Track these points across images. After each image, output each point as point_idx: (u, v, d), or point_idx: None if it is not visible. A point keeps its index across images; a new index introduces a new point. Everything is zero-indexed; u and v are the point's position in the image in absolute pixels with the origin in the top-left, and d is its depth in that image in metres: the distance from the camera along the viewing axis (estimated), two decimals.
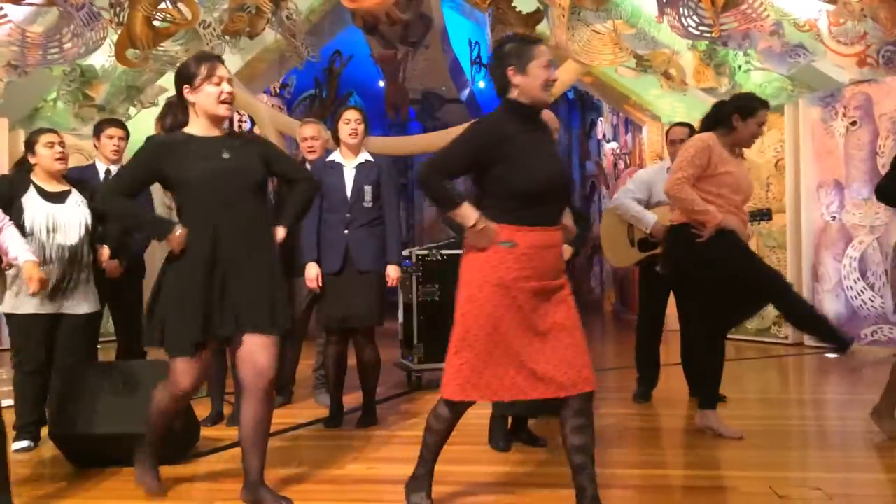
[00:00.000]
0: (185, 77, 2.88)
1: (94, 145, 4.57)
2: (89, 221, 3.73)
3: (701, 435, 3.86)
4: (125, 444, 3.26)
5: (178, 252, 2.79)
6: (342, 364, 4.23)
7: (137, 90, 8.02)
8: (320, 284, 4.14)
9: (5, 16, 6.62)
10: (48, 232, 3.61)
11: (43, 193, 3.70)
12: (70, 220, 3.68)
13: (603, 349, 8.30)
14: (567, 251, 3.66)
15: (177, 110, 2.93)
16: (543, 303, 2.58)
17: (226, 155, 2.86)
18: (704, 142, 3.74)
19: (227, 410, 4.34)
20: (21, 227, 3.55)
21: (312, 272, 4.13)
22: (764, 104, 3.82)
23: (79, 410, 3.40)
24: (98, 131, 4.48)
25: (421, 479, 2.78)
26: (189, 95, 2.88)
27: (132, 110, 8.12)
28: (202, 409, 4.19)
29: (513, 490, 3.05)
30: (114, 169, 4.59)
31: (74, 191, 3.80)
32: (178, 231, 2.78)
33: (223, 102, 2.87)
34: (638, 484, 3.17)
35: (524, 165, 2.55)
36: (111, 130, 4.42)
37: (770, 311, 7.37)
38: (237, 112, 10.12)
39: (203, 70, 2.85)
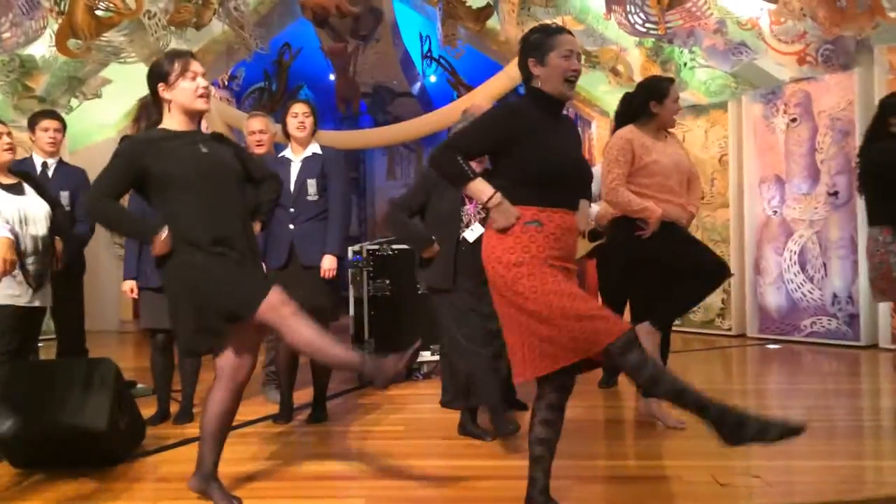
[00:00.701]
0: (159, 75, 2.86)
1: (30, 139, 4.45)
2: (50, 213, 3.63)
3: (644, 425, 3.93)
4: (71, 442, 3.20)
5: (162, 253, 2.74)
6: (293, 360, 4.20)
7: (79, 81, 7.81)
8: None
9: None
10: (21, 224, 3.47)
11: (3, 187, 3.56)
12: (37, 211, 3.56)
13: None
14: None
15: (151, 110, 2.91)
16: (572, 278, 2.62)
17: (203, 149, 2.85)
18: (623, 138, 3.78)
19: (173, 408, 4.27)
20: None
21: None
22: (671, 80, 3.89)
23: (18, 410, 3.30)
24: (32, 124, 4.37)
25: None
26: (165, 93, 2.85)
27: (74, 102, 7.90)
28: (148, 408, 4.12)
29: (463, 483, 3.07)
30: (51, 162, 4.47)
31: (24, 182, 3.67)
32: (164, 234, 2.73)
33: (201, 97, 2.86)
34: (580, 474, 3.20)
35: (549, 147, 2.56)
36: (46, 122, 4.31)
37: (714, 304, 7.55)
38: None
39: (177, 66, 2.83)
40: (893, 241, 3.78)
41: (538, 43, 2.64)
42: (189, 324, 2.74)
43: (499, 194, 2.54)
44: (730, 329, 7.47)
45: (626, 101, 3.91)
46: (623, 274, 4.16)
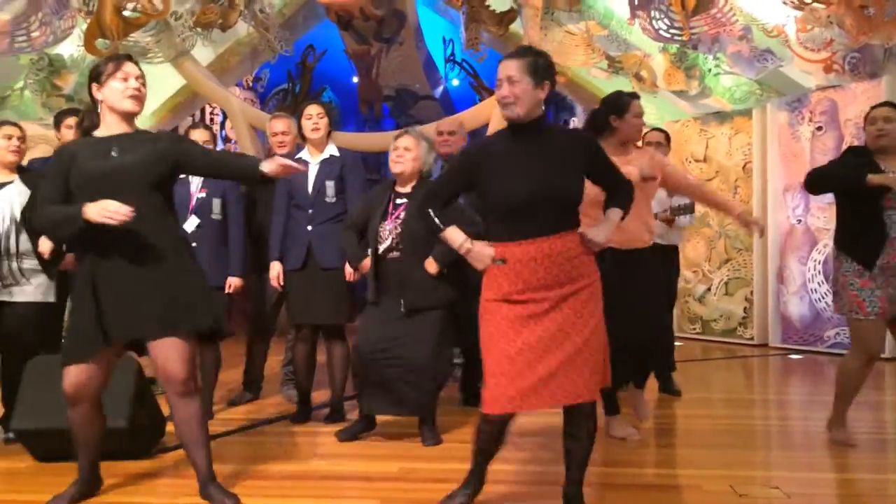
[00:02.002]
0: (93, 76, 2.86)
1: (56, 136, 4.51)
2: (16, 211, 3.68)
3: (665, 434, 3.91)
4: None
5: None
6: (310, 360, 4.21)
7: None
8: (281, 283, 4.15)
9: None
10: None
11: None
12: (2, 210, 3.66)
13: None
14: (430, 264, 3.69)
15: (92, 114, 2.88)
16: (550, 312, 2.56)
17: (114, 153, 2.78)
18: None
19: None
20: None
21: (274, 270, 4.15)
22: (633, 96, 3.78)
23: (42, 404, 3.34)
24: (58, 122, 4.43)
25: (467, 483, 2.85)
26: (97, 93, 2.84)
27: None
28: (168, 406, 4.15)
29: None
30: None
31: (17, 181, 3.75)
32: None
33: (130, 97, 2.81)
34: (600, 482, 3.19)
35: (498, 182, 2.59)
36: (72, 120, 4.37)
37: (735, 312, 7.49)
38: (208, 104, 10.03)
39: (110, 67, 2.83)
40: None
41: None
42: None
43: (467, 242, 2.66)
44: (752, 338, 7.40)
45: (591, 117, 3.85)
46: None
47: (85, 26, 6.88)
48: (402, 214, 3.76)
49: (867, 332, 3.58)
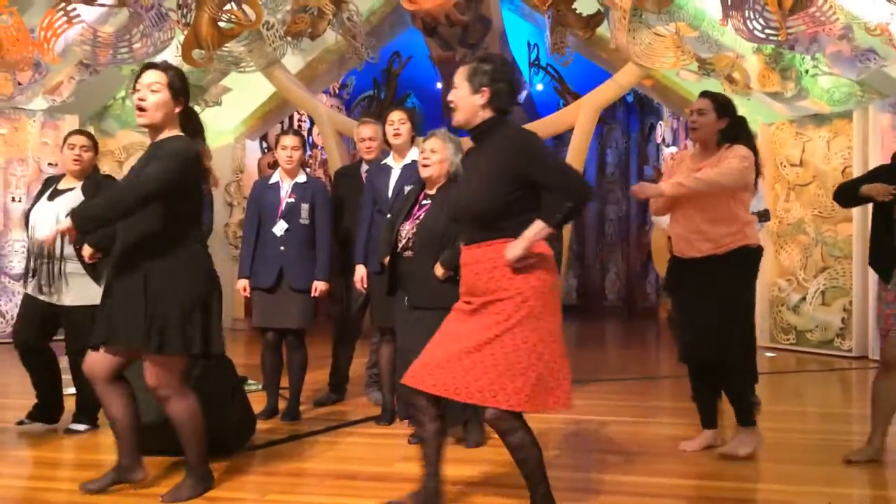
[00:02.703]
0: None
1: None
2: (62, 218, 3.83)
3: (762, 448, 3.77)
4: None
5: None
6: (395, 363, 4.25)
7: (202, 89, 8.21)
8: (365, 285, 4.22)
9: (78, 16, 6.84)
10: (29, 227, 3.90)
11: (53, 191, 3.95)
12: (46, 216, 3.84)
13: (657, 356, 8.18)
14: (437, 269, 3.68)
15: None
16: (473, 315, 2.61)
17: (137, 165, 2.97)
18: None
19: (281, 405, 4.40)
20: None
21: (358, 274, 4.24)
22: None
23: (142, 400, 3.48)
24: None
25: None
26: None
27: (196, 109, 8.30)
28: (258, 403, 4.27)
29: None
30: None
31: (77, 189, 3.91)
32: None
33: (137, 108, 2.94)
34: (692, 495, 3.12)
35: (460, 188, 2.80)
36: None
37: (833, 323, 7.17)
38: (297, 112, 10.29)
39: (136, 79, 2.97)
40: None
41: None
42: None
43: None
44: (850, 350, 7.06)
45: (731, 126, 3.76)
46: None
47: (182, 38, 7.16)
48: (423, 216, 3.79)
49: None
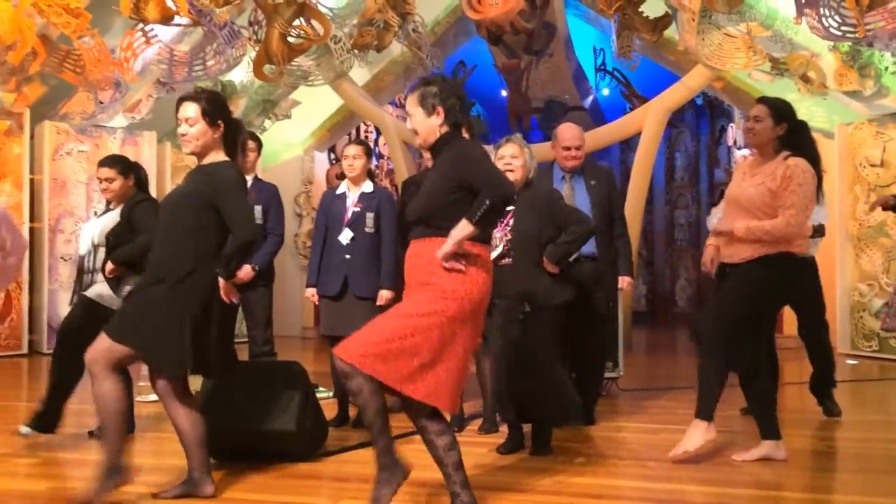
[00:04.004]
0: None
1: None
2: (95, 238, 4.08)
3: (821, 456, 3.64)
4: (263, 440, 3.44)
5: None
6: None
7: (272, 103, 8.42)
8: None
9: (155, 36, 7.11)
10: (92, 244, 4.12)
11: (106, 210, 4.25)
12: (87, 233, 4.14)
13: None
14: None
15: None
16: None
17: (181, 184, 3.17)
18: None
19: (352, 413, 4.45)
20: None
21: None
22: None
23: (222, 406, 3.58)
24: None
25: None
26: None
27: (267, 123, 8.53)
28: (330, 411, 4.33)
29: None
30: (248, 179, 4.83)
31: (116, 211, 4.11)
32: None
33: (182, 142, 3.10)
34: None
35: None
36: (250, 144, 4.67)
37: None
38: (363, 123, 10.44)
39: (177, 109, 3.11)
40: None
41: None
42: None
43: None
44: None
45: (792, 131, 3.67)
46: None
47: (254, 54, 7.36)
48: (511, 221, 3.79)
49: None
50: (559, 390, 3.64)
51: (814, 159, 3.53)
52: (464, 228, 2.66)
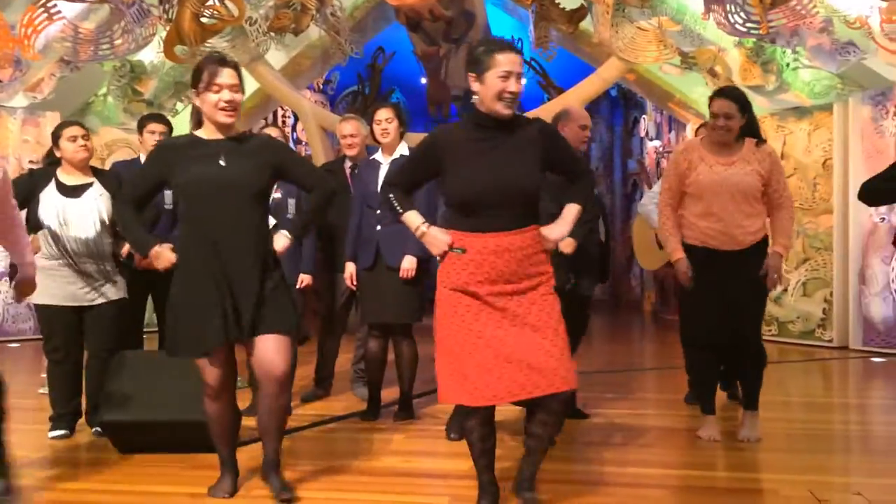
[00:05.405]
0: (193, 80, 2.86)
1: (139, 140, 4.67)
2: (104, 215, 3.76)
3: (724, 436, 3.81)
4: (171, 432, 3.36)
5: (167, 266, 2.84)
6: (381, 358, 4.26)
7: (184, 85, 8.15)
8: (355, 282, 4.23)
9: (59, 12, 6.78)
10: (60, 225, 3.71)
11: (61, 188, 3.78)
12: (83, 213, 3.74)
13: (642, 349, 8.23)
14: (568, 244, 3.70)
15: (199, 111, 2.91)
16: (510, 304, 2.58)
17: (222, 162, 2.82)
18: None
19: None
20: (37, 219, 3.71)
21: (348, 270, 4.24)
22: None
23: (127, 397, 3.49)
24: (141, 126, 4.58)
25: (481, 490, 2.75)
26: (195, 99, 2.87)
27: (179, 105, 8.27)
28: (244, 400, 4.26)
29: (545, 486, 3.05)
30: None
31: (96, 184, 3.83)
32: (155, 250, 2.84)
33: (222, 109, 2.81)
34: (676, 485, 3.15)
35: (459, 175, 2.61)
36: (153, 125, 4.51)
37: (814, 314, 7.24)
38: (280, 107, 10.26)
39: (206, 76, 2.80)
40: None
41: (479, 58, 2.60)
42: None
43: (425, 225, 2.66)
44: (831, 341, 7.14)
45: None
46: None
47: (164, 33, 7.12)
48: None
49: None
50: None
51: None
52: (573, 213, 2.73)
